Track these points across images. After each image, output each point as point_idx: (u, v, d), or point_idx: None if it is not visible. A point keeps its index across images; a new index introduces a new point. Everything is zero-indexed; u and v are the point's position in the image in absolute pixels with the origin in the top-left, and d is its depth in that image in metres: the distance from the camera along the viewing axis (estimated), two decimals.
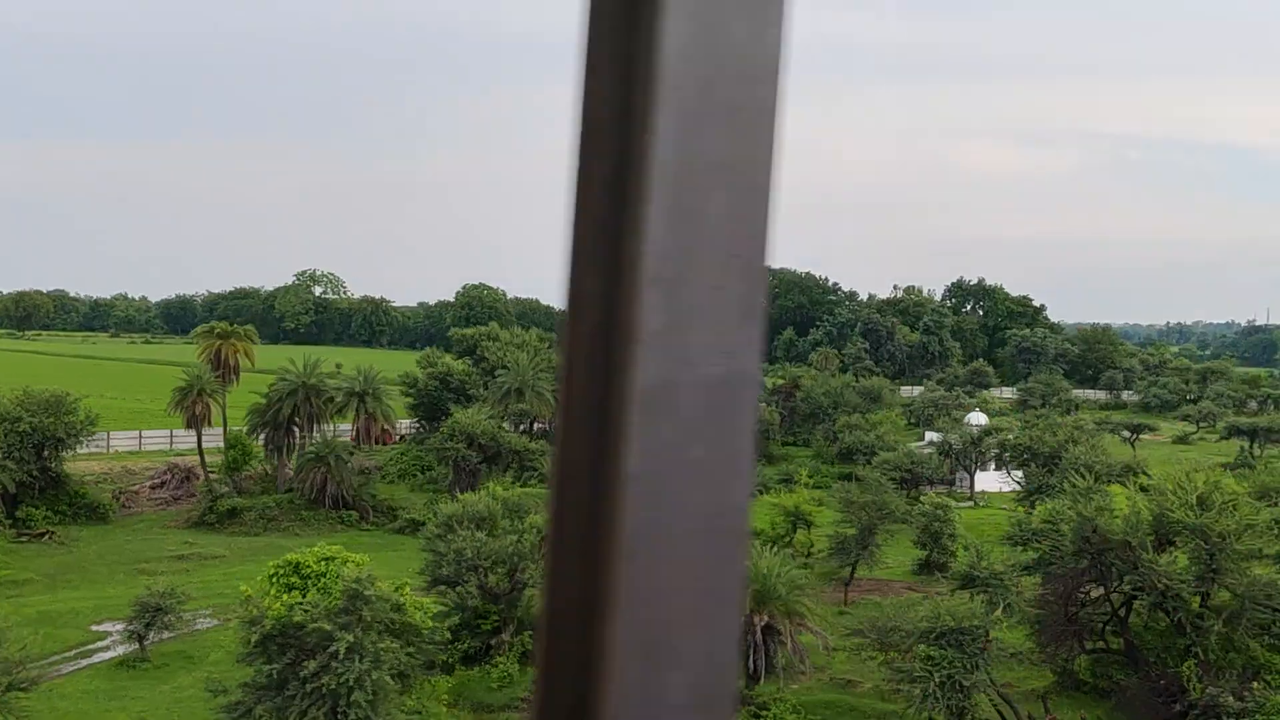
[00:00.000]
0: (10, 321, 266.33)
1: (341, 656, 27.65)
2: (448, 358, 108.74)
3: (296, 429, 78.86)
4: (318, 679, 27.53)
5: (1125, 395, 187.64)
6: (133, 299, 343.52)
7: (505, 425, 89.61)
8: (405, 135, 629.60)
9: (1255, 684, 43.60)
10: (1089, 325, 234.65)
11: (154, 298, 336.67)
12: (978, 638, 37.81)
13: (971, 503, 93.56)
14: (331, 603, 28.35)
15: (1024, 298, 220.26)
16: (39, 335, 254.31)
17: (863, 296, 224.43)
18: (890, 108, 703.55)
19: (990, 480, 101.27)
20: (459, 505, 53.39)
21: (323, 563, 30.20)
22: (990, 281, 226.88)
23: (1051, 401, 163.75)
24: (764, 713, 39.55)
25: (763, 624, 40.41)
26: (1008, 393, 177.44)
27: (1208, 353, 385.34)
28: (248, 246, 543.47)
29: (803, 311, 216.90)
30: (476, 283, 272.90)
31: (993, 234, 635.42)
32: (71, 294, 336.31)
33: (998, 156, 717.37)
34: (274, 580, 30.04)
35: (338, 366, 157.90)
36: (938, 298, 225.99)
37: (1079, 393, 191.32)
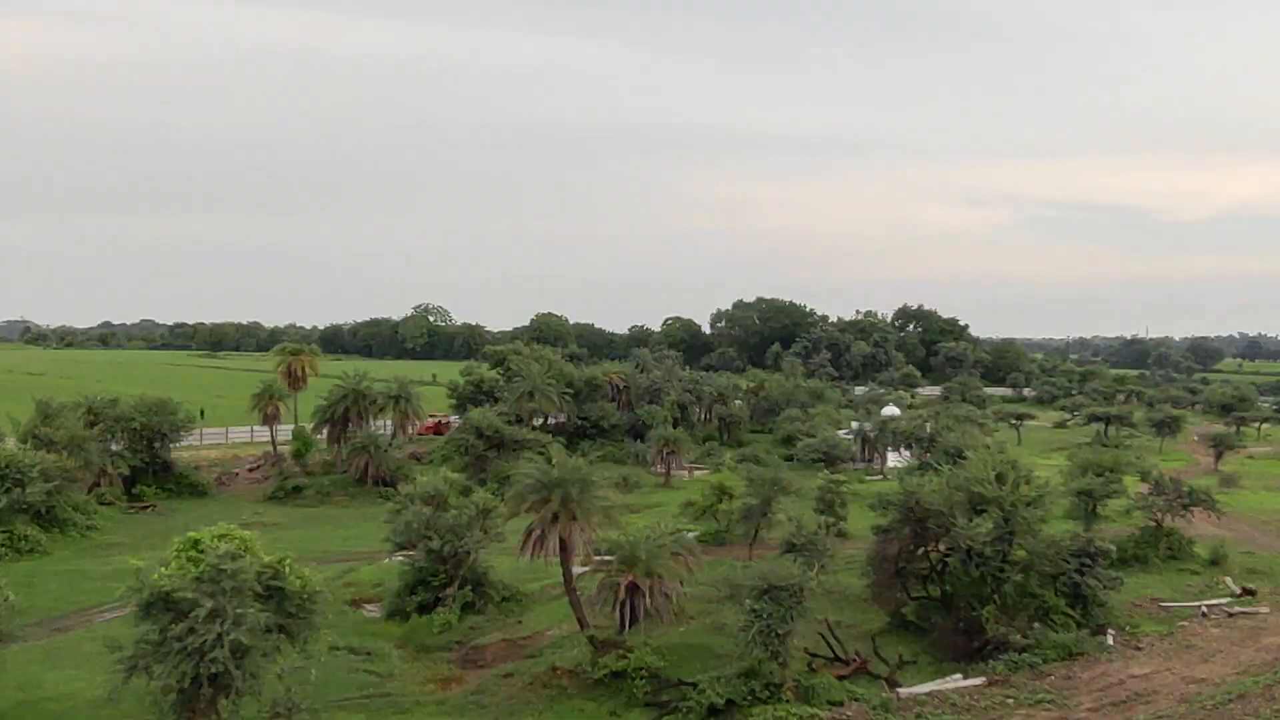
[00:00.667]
0: (206, 345, 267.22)
1: (203, 619, 24.56)
2: (484, 368, 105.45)
3: (349, 424, 75.84)
4: (185, 638, 24.51)
5: (1025, 391, 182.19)
6: (301, 326, 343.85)
7: (515, 420, 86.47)
8: (513, 205, 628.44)
9: (1037, 624, 39.57)
10: (1004, 339, 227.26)
11: (320, 325, 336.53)
12: (794, 593, 33.92)
13: (882, 476, 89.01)
14: (200, 571, 25.35)
15: (952, 319, 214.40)
16: (227, 355, 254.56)
17: (833, 319, 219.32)
18: (862, 179, 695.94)
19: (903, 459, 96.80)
20: (413, 486, 50.17)
21: (218, 540, 27.12)
22: (928, 306, 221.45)
23: (966, 396, 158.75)
24: (629, 653, 35.76)
25: (627, 582, 36.81)
26: (937, 390, 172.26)
27: (1098, 359, 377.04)
28: (383, 285, 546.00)
29: (787, 331, 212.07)
30: (546, 311, 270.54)
31: (942, 271, 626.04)
32: (264, 323, 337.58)
33: (947, 214, 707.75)
34: (178, 554, 27.06)
35: (434, 377, 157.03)
36: (888, 319, 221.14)
37: (990, 390, 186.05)
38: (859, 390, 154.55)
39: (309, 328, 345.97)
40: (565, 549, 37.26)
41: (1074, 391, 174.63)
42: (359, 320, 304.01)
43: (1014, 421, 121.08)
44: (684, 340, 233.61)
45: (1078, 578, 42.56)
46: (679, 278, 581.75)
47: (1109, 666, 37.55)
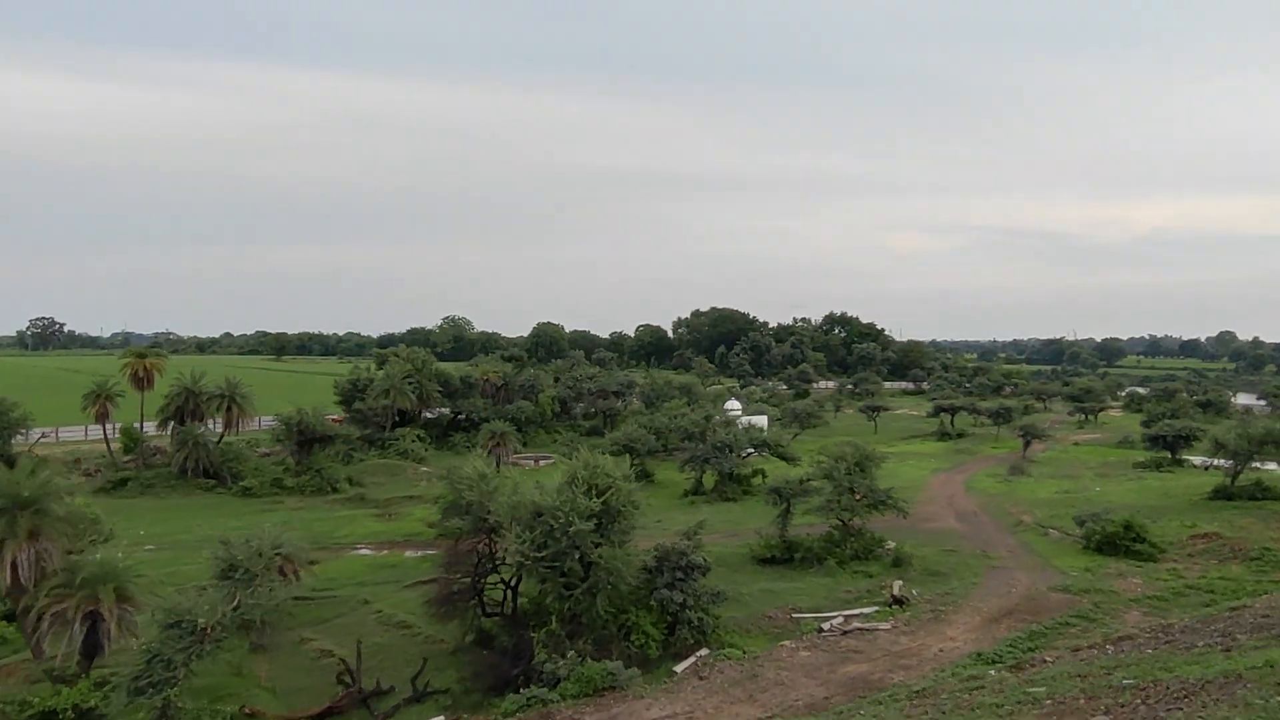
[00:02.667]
0: (269, 351, 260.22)
1: None
2: (369, 367, 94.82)
3: (185, 420, 65.63)
4: None
5: (924, 386, 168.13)
6: (359, 334, 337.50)
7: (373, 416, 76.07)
8: (532, 233, 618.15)
9: (571, 653, 28.14)
10: (912, 340, 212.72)
11: (375, 334, 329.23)
12: (192, 630, 23.07)
13: None
14: None
15: (870, 324, 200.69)
16: (292, 359, 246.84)
17: (773, 324, 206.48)
18: (841, 211, 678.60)
19: None
20: None
21: None
22: (858, 314, 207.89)
23: (860, 389, 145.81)
24: (62, 690, 25.09)
25: (86, 610, 26.09)
26: (836, 384, 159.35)
27: (1023, 357, 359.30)
28: (432, 301, 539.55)
29: (732, 335, 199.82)
30: (546, 321, 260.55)
31: (908, 285, 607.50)
32: (325, 333, 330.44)
33: (913, 240, 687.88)
34: None
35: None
36: (816, 324, 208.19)
37: (892, 384, 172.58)
38: (756, 386, 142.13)
39: (368, 336, 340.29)
40: (15, 570, 26.61)
41: (967, 385, 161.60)
42: (401, 331, 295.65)
43: (870, 412, 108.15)
44: (651, 344, 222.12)
45: (666, 593, 31.20)
46: (687, 292, 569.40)
47: (627, 707, 26.14)
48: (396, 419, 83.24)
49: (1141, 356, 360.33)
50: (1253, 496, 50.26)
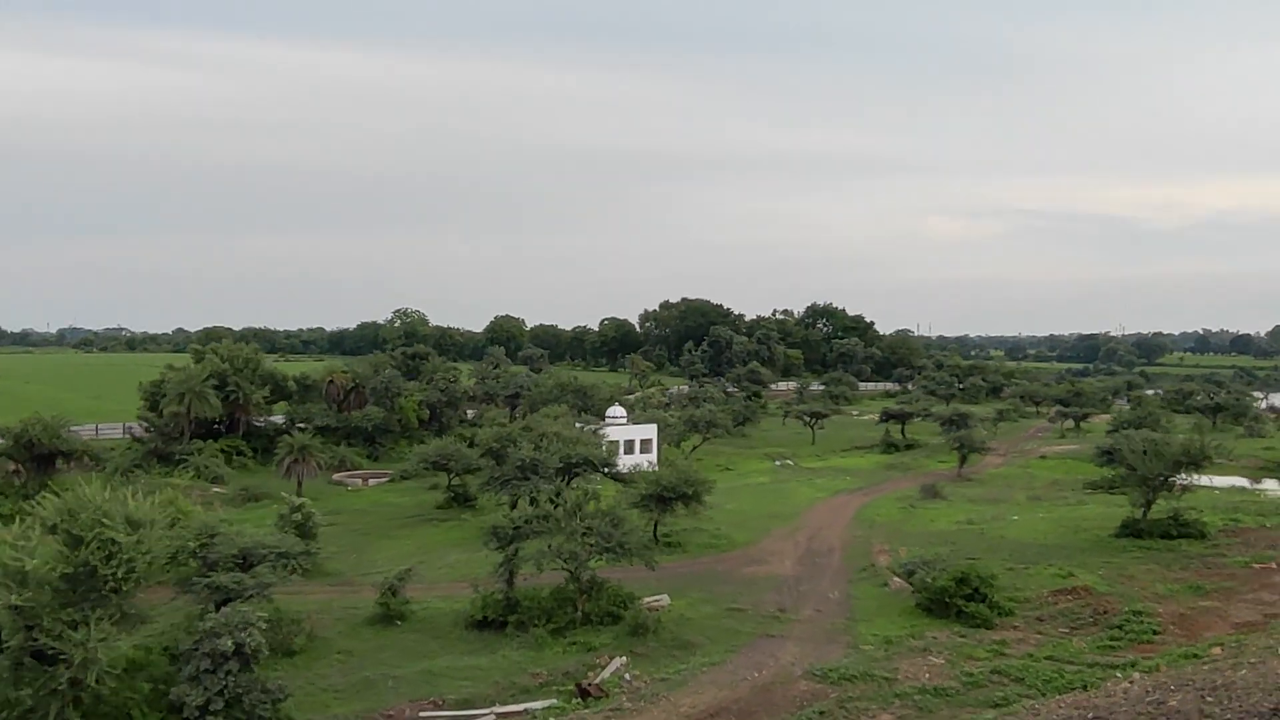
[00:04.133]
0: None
1: None
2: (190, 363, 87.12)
3: None
4: None
5: (909, 386, 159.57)
6: (318, 330, 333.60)
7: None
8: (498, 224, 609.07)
9: None
10: (899, 333, 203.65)
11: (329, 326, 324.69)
12: None
13: None
14: None
15: (858, 316, 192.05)
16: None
17: (750, 316, 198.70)
18: (875, 195, 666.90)
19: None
20: None
21: None
22: (843, 306, 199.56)
23: (833, 392, 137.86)
24: None
25: None
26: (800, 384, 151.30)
27: (1055, 354, 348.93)
28: (376, 293, 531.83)
29: (701, 329, 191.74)
30: (505, 315, 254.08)
31: (938, 275, 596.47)
32: (275, 328, 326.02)
33: (949, 226, 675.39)
34: None
35: None
36: (816, 319, 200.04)
37: (875, 385, 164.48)
38: (711, 386, 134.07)
39: (321, 330, 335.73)
40: None
41: (959, 386, 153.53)
42: (348, 326, 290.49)
43: (808, 419, 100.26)
44: (616, 339, 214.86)
45: (185, 689, 23.81)
46: (702, 283, 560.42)
47: None
48: (222, 426, 76.42)
49: (1187, 353, 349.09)
50: (1166, 534, 42.25)
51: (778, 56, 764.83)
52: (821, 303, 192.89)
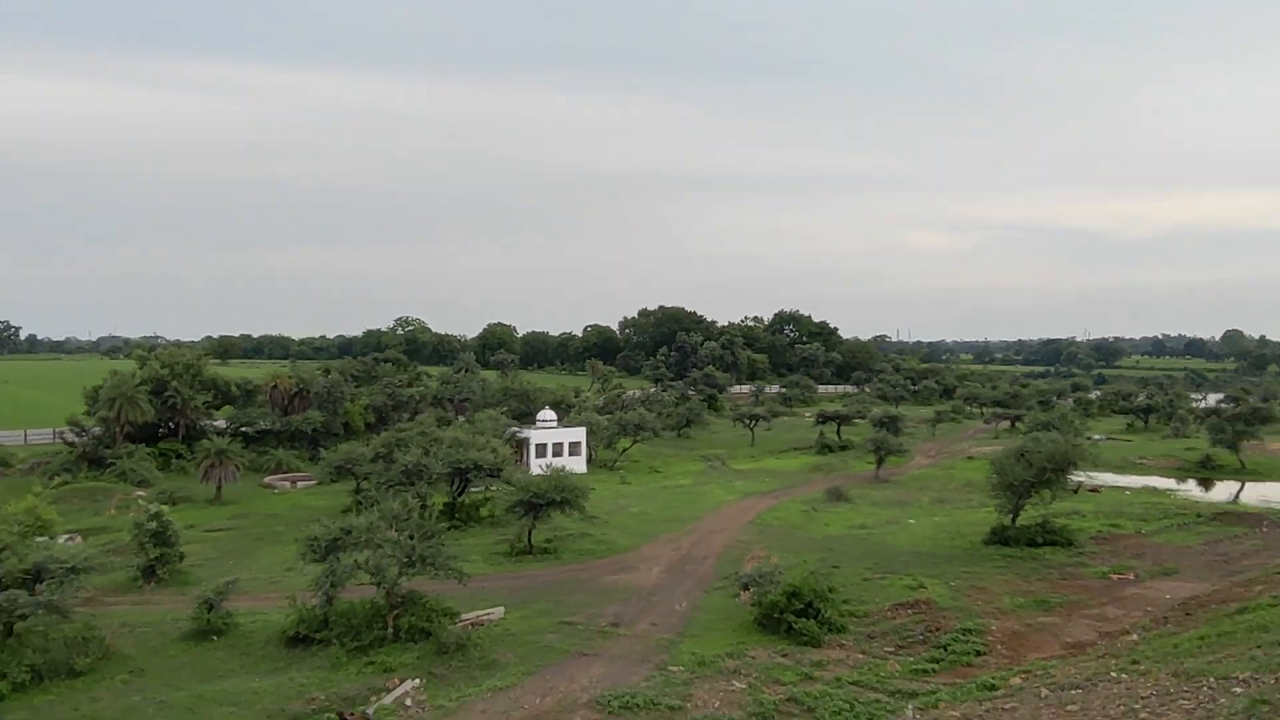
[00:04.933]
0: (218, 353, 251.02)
1: None
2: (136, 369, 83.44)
3: None
4: None
5: (866, 389, 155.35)
6: (325, 337, 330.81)
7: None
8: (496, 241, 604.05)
9: None
10: (858, 339, 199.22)
11: (334, 334, 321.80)
12: None
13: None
14: None
15: (822, 322, 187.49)
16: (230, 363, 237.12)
17: (722, 323, 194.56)
18: (860, 210, 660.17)
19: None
20: None
21: None
22: (809, 313, 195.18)
23: (792, 393, 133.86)
24: None
25: None
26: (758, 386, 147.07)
27: (1020, 358, 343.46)
28: (385, 303, 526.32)
29: (675, 335, 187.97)
30: (497, 322, 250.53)
31: (919, 285, 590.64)
32: (293, 336, 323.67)
33: (930, 238, 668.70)
34: None
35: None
36: (783, 325, 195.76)
37: (834, 388, 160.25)
38: (674, 389, 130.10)
39: (331, 338, 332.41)
40: None
41: (913, 388, 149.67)
42: (353, 334, 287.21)
43: (748, 421, 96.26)
44: (597, 344, 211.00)
45: None
46: (703, 292, 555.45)
47: None
48: (166, 429, 72.88)
49: (1145, 356, 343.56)
50: (1032, 542, 38.15)
51: (775, 82, 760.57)
52: (789, 309, 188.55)
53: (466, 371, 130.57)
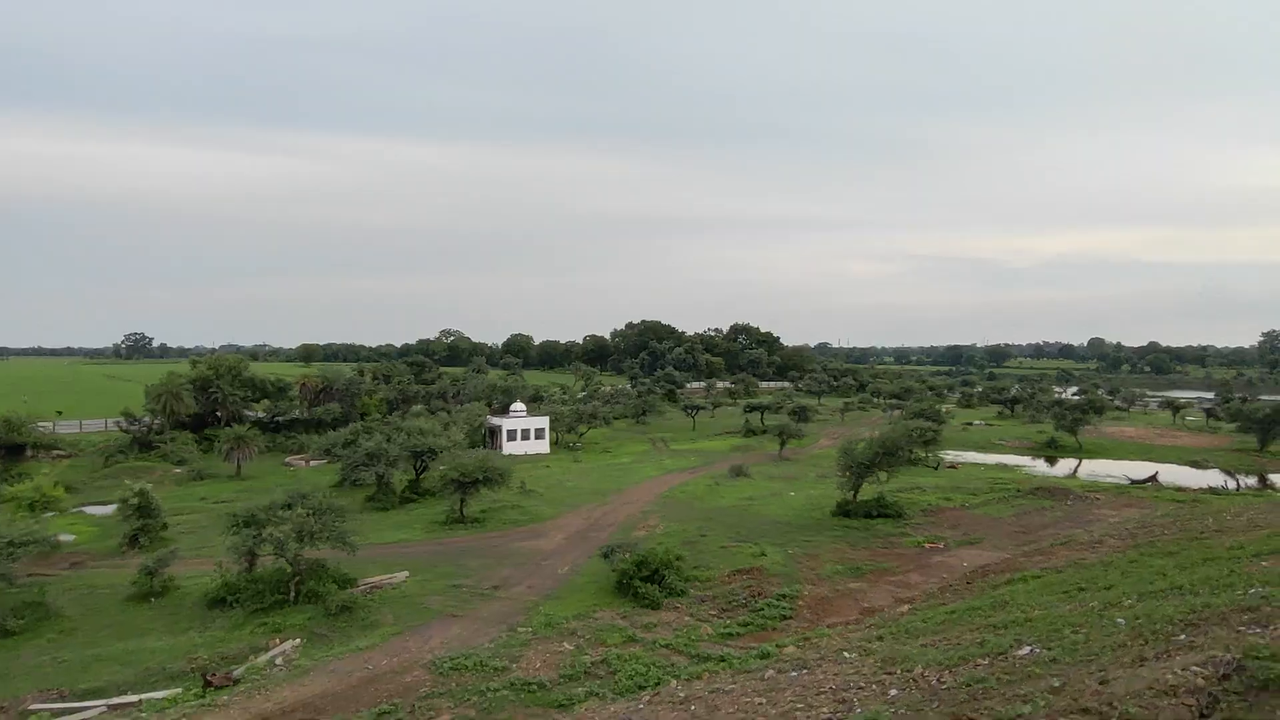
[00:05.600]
0: (300, 358, 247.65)
1: None
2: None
3: None
4: None
5: (799, 385, 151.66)
6: (393, 345, 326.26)
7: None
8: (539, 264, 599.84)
9: None
10: (797, 346, 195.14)
11: (398, 343, 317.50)
12: None
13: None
14: None
15: (769, 333, 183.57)
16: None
17: (689, 333, 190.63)
18: (806, 244, 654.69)
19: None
20: None
21: None
22: (758, 325, 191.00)
23: (736, 388, 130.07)
24: None
25: None
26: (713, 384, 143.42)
27: (930, 360, 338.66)
28: (434, 315, 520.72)
29: (656, 340, 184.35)
30: (519, 333, 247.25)
31: (856, 302, 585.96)
32: (366, 345, 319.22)
33: (864, 267, 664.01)
34: None
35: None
36: (738, 335, 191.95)
37: (775, 384, 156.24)
38: (644, 386, 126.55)
39: (394, 345, 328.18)
40: None
41: (833, 384, 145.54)
42: (412, 341, 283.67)
43: (690, 411, 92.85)
44: (594, 350, 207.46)
45: None
46: (681, 308, 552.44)
47: None
48: (214, 420, 69.83)
49: (1026, 359, 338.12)
50: (868, 514, 34.75)
51: (743, 144, 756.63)
52: (742, 322, 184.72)
53: (479, 372, 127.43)
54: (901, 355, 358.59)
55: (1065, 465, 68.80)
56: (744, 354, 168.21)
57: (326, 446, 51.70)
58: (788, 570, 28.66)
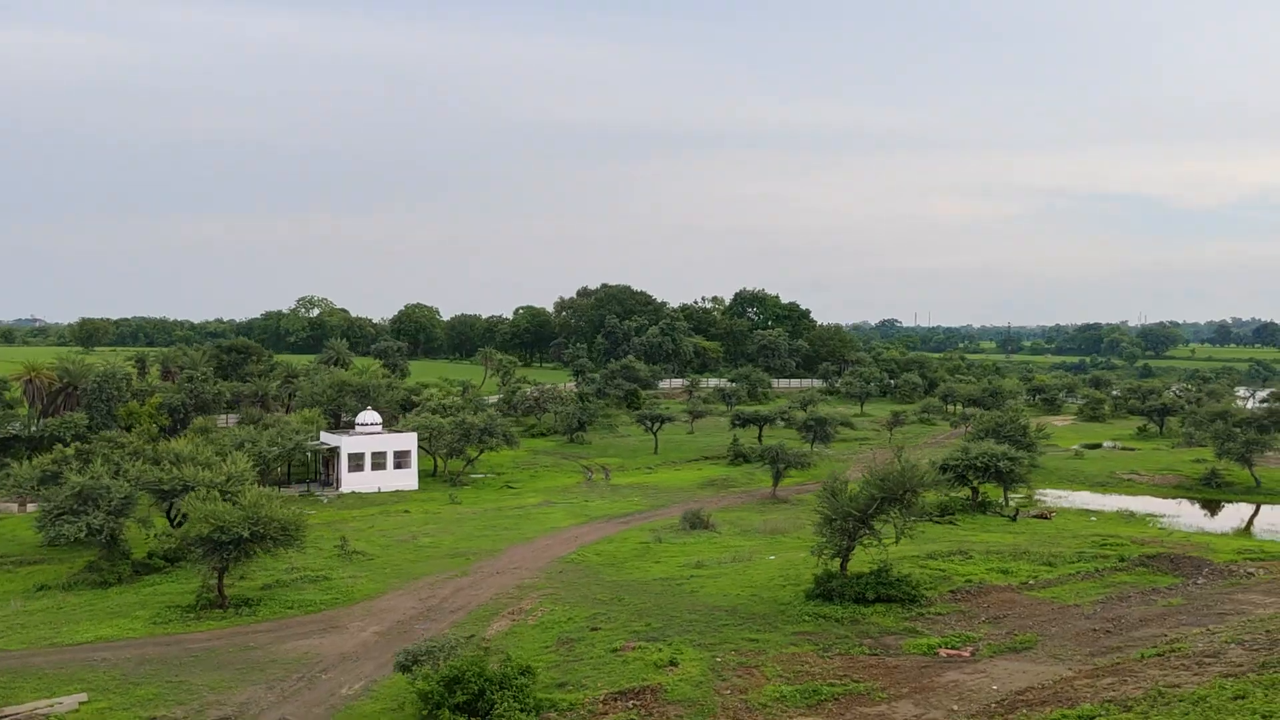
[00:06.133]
0: (75, 341, 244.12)
1: None
2: None
3: None
4: None
5: (836, 384, 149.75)
6: (225, 320, 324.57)
7: None
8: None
9: None
10: (832, 326, 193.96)
11: (240, 317, 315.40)
12: None
13: None
14: None
15: (792, 304, 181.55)
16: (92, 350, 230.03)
17: (674, 305, 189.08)
18: (877, 174, 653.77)
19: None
20: None
21: None
22: (776, 292, 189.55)
23: (734, 393, 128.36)
24: None
25: None
26: (718, 381, 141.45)
27: (1053, 346, 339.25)
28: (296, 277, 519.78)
29: (618, 315, 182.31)
30: (416, 303, 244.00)
31: (941, 262, 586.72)
32: (178, 319, 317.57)
33: (955, 205, 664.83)
34: None
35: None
36: (745, 308, 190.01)
37: (798, 382, 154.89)
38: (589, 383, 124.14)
39: (242, 320, 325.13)
40: None
41: (890, 382, 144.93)
42: (252, 316, 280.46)
43: (648, 423, 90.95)
44: (530, 330, 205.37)
45: None
46: (672, 273, 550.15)
47: None
48: None
49: (1204, 344, 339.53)
50: (860, 596, 32.52)
51: (780, 24, 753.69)
52: (752, 288, 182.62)
53: (337, 363, 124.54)
54: (1010, 338, 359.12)
55: (1233, 514, 67.39)
56: (751, 337, 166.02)
57: (24, 480, 48.84)
58: (700, 695, 26.31)
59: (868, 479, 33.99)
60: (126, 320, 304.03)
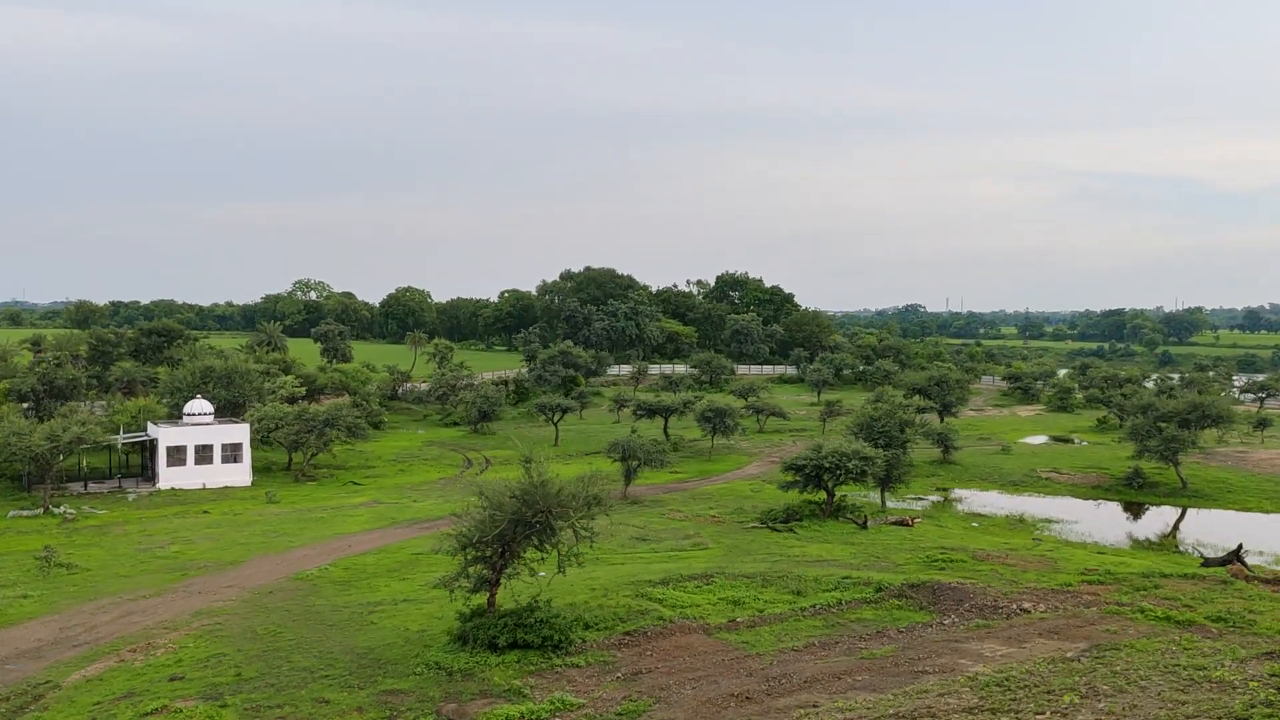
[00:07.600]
0: (72, 322, 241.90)
1: None
2: None
3: None
4: None
5: (804, 371, 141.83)
6: (235, 304, 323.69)
7: None
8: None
9: None
10: (813, 310, 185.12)
11: (246, 300, 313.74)
12: None
13: None
14: None
15: (775, 288, 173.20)
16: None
17: (654, 288, 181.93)
18: (906, 155, 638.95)
19: None
20: None
21: None
22: (758, 276, 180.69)
23: (699, 378, 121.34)
24: None
25: None
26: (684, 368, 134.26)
27: (1075, 332, 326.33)
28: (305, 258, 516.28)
29: (600, 302, 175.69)
30: (406, 286, 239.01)
31: (983, 247, 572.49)
32: (180, 301, 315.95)
33: (991, 190, 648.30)
34: None
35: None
36: (726, 291, 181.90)
37: (770, 369, 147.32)
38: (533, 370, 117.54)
39: (254, 303, 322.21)
40: None
41: (867, 369, 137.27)
42: (254, 299, 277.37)
43: (548, 413, 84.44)
44: (513, 314, 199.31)
45: None
46: (680, 257, 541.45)
47: None
48: None
49: (1229, 330, 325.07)
50: (493, 642, 25.80)
51: (804, 6, 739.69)
52: (734, 271, 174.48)
53: (268, 346, 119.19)
54: (1032, 323, 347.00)
55: (1155, 520, 59.75)
56: (729, 320, 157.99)
57: None
58: None
59: (513, 493, 26.98)
60: (126, 304, 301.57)
